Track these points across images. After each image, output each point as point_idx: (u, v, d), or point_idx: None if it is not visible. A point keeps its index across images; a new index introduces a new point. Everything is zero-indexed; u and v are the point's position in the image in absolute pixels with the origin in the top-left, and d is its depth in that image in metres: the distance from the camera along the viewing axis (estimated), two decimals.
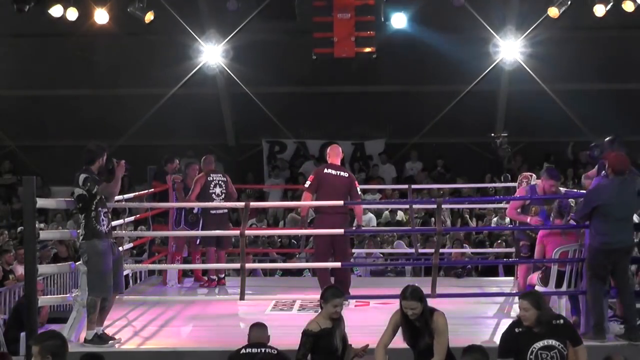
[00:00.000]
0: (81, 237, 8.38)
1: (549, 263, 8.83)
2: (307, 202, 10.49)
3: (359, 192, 10.82)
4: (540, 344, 6.61)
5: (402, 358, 7.12)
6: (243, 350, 6.83)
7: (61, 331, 6.99)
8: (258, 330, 6.98)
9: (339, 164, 10.65)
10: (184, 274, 12.42)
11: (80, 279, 8.62)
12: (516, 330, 6.77)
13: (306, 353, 6.86)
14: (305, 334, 6.91)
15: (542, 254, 8.95)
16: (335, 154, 10.66)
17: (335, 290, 7.16)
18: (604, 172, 8.43)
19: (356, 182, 10.73)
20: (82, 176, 8.33)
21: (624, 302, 8.37)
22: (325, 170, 10.45)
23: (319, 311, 7.18)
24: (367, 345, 7.02)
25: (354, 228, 10.73)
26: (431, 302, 9.10)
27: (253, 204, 9.93)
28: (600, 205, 8.25)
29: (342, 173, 10.48)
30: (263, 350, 6.78)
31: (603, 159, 8.60)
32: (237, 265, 9.85)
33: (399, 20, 16.26)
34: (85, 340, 8.23)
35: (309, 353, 6.89)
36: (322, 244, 10.43)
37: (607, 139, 8.85)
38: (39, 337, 5.78)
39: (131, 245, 12.52)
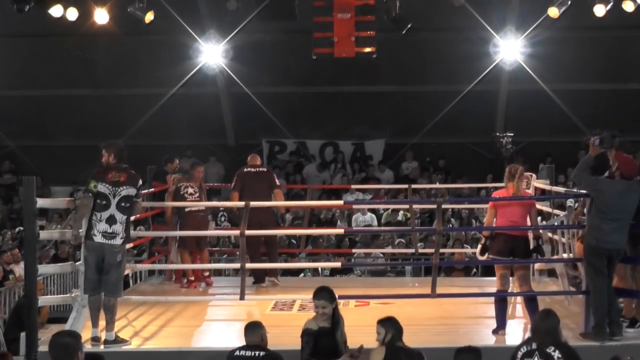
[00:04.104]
0: (121, 240, 8.17)
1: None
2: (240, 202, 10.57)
3: (278, 182, 11.93)
4: None
5: None
6: (237, 353, 6.79)
7: None
8: (251, 330, 6.90)
9: (259, 163, 11.92)
10: (183, 274, 12.40)
11: (80, 278, 8.60)
12: None
13: (311, 353, 6.79)
14: (306, 333, 6.85)
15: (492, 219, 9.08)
16: (255, 158, 11.89)
17: (320, 292, 7.09)
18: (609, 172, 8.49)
19: (274, 175, 12.00)
20: (140, 182, 8.34)
21: (595, 301, 8.37)
22: (245, 170, 11.60)
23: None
24: (362, 345, 6.94)
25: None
26: (432, 302, 9.17)
27: (253, 203, 9.90)
28: (600, 199, 8.29)
29: (260, 168, 11.77)
30: (255, 353, 6.72)
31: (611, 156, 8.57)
32: (237, 265, 9.84)
33: None
34: (106, 342, 8.20)
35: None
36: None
37: (609, 132, 8.74)
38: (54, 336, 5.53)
39: (131, 245, 12.51)
